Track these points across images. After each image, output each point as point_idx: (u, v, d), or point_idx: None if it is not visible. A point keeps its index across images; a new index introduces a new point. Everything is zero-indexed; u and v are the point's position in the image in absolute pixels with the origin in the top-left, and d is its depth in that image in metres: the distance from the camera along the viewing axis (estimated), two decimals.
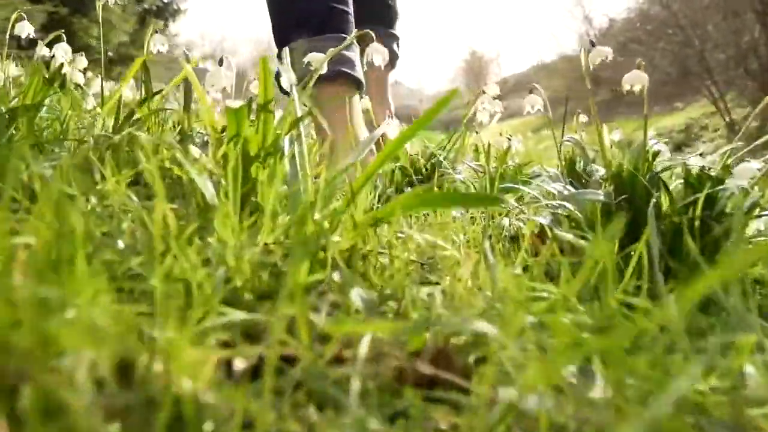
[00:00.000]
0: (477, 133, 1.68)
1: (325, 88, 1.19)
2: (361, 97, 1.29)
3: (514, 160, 1.61)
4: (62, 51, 1.16)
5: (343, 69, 1.21)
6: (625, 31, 15.28)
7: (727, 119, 11.02)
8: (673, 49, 12.58)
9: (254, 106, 0.53)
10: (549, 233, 0.61)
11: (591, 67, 0.83)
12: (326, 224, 0.45)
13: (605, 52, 0.85)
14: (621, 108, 16.84)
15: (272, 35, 1.31)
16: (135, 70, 0.83)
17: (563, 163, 1.77)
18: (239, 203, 0.45)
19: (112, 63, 10.43)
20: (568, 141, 0.85)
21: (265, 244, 0.41)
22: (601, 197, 0.62)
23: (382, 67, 1.06)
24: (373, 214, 0.45)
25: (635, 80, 0.84)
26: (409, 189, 1.12)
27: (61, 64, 1.04)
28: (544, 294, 0.43)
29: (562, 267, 0.43)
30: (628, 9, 16.56)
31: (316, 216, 0.44)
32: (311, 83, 0.76)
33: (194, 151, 0.52)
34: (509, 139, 1.59)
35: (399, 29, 1.73)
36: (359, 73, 1.23)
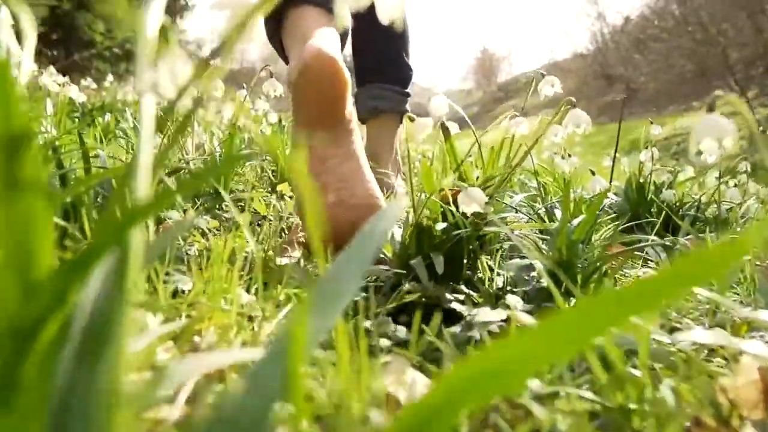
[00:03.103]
0: (528, 152, 1.22)
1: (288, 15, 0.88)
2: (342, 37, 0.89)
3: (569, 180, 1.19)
4: None
5: None
6: (643, 29, 14.92)
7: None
8: (692, 46, 12.21)
9: None
10: None
11: None
12: None
13: None
14: (634, 107, 16.35)
15: None
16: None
17: (633, 185, 1.42)
18: None
19: (117, 59, 10.22)
20: None
21: None
22: None
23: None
24: None
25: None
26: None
27: None
28: None
29: None
30: (643, 5, 16.17)
31: None
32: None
33: None
34: (593, 173, 1.16)
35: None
36: None
